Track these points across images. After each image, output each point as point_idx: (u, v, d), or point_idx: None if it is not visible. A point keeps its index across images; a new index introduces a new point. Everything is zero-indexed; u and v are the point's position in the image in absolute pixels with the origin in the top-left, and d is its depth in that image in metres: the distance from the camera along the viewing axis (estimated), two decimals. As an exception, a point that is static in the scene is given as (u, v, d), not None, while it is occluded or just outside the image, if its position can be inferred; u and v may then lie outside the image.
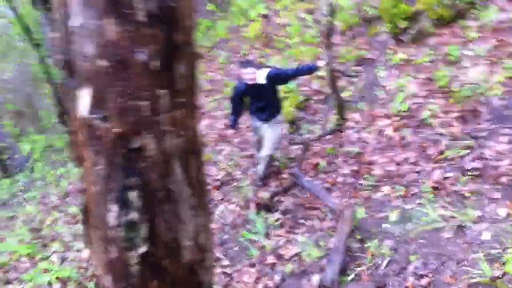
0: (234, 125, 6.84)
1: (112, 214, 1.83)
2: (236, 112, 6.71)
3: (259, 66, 6.56)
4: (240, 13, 11.59)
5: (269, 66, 6.71)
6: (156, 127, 1.78)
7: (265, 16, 10.55)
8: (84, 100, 1.73)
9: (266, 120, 6.53)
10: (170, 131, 1.82)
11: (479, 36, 6.41)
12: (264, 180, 6.80)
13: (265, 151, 6.58)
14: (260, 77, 6.22)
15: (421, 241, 4.50)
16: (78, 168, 1.92)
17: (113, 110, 1.71)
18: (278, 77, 6.31)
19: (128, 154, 1.77)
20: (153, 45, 1.70)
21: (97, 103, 1.72)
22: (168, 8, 1.72)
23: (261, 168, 6.73)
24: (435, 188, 5.05)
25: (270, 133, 6.53)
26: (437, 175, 5.22)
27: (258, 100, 6.44)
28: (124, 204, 1.81)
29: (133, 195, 1.80)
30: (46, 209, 9.28)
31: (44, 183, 11.30)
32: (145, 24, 1.67)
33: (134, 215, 1.83)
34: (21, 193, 11.46)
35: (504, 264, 3.75)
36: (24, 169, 13.75)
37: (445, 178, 5.12)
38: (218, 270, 5.57)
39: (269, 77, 6.23)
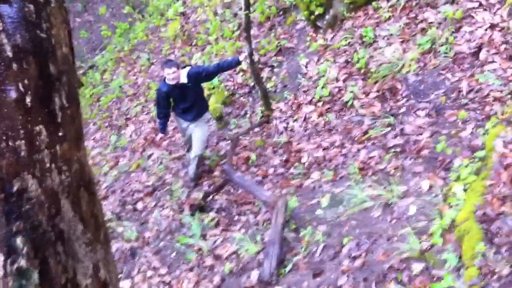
0: (163, 130, 6.68)
1: (0, 262, 1.69)
2: (163, 116, 6.55)
3: (181, 65, 6.43)
4: (157, 13, 11.36)
5: (190, 65, 6.59)
6: (37, 166, 1.66)
7: (183, 14, 10.39)
8: None
9: (193, 120, 6.41)
10: (53, 168, 1.71)
11: (391, 16, 6.54)
12: (196, 180, 6.69)
13: (195, 151, 6.47)
14: (183, 76, 6.09)
15: (353, 222, 4.55)
16: None
17: None
18: (199, 75, 6.22)
19: (8, 198, 1.64)
20: (25, 80, 1.60)
21: None
22: (38, 40, 1.63)
23: (192, 168, 6.61)
24: (361, 169, 5.12)
25: (198, 132, 6.42)
26: (362, 155, 5.29)
27: (183, 101, 6.31)
28: (11, 251, 1.67)
29: (20, 241, 1.67)
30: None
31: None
32: (13, 59, 1.57)
33: (23, 262, 1.68)
34: None
35: (431, 235, 3.83)
36: None
37: (370, 157, 5.19)
38: (156, 279, 5.44)
39: (190, 75, 6.12)
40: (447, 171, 4.35)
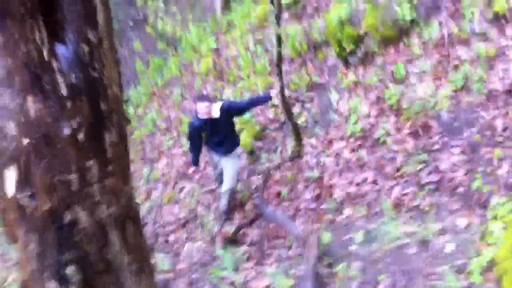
0: (195, 163, 6.77)
1: None
2: (195, 150, 6.63)
3: (213, 99, 6.55)
4: (191, 48, 11.63)
5: (222, 100, 6.71)
6: (87, 199, 1.75)
7: (215, 50, 10.62)
8: (9, 179, 1.70)
9: (225, 154, 6.49)
10: (102, 201, 1.79)
11: (423, 52, 6.60)
12: (228, 214, 6.74)
13: (226, 185, 6.53)
14: (215, 110, 6.20)
15: (388, 259, 4.52)
16: (13, 246, 1.87)
17: (40, 187, 1.68)
18: (232, 110, 6.32)
19: (60, 229, 1.72)
20: (78, 117, 1.69)
21: (23, 181, 1.69)
22: (91, 78, 1.72)
23: (223, 202, 6.67)
24: (395, 205, 5.11)
25: (230, 166, 6.49)
26: (396, 192, 5.29)
27: (215, 135, 6.39)
28: (63, 280, 1.76)
29: (70, 270, 1.75)
30: (7, 266, 8.93)
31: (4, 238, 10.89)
32: (68, 98, 1.66)
33: None
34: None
35: (469, 273, 3.79)
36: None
37: (404, 194, 5.18)
38: (190, 311, 5.46)
39: (223, 110, 6.22)
40: (484, 209, 4.32)
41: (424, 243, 4.41)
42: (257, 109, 8.00)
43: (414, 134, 5.81)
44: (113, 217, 1.84)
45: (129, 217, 1.94)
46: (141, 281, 2.00)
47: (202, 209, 7.21)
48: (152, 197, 8.18)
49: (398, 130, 5.99)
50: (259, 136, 7.84)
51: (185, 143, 8.82)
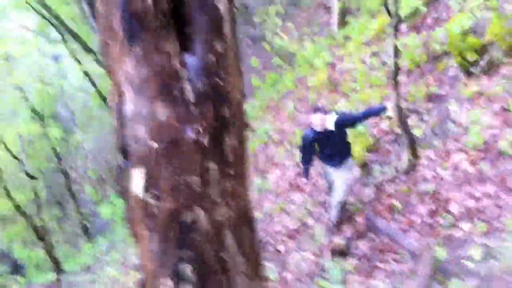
0: (306, 174, 6.75)
1: None
2: (307, 162, 6.61)
3: (328, 112, 6.48)
4: (306, 63, 11.73)
5: (336, 112, 6.63)
6: (207, 200, 1.81)
7: (330, 64, 10.60)
8: (137, 180, 1.81)
9: (337, 165, 6.41)
10: (221, 203, 1.84)
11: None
12: (338, 226, 6.62)
13: (337, 197, 6.44)
14: (329, 123, 6.16)
15: (507, 277, 4.16)
16: (136, 244, 1.97)
17: (165, 188, 1.77)
18: (346, 122, 6.24)
19: (181, 229, 1.80)
20: (202, 122, 1.77)
21: (150, 182, 1.79)
22: (216, 85, 1.79)
23: (334, 214, 6.57)
24: (519, 222, 4.71)
25: (342, 178, 6.39)
26: (521, 208, 4.87)
27: (328, 147, 6.35)
28: (179, 278, 1.83)
29: (187, 269, 1.82)
30: (127, 271, 9.49)
31: (125, 244, 11.62)
32: (194, 104, 1.75)
33: None
34: (102, 257, 11.82)
35: None
36: (105, 233, 14.25)
37: (530, 210, 4.76)
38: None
39: (337, 123, 6.15)
40: None
41: (552, 263, 4.00)
42: (371, 121, 7.83)
43: (544, 147, 5.33)
44: (230, 219, 1.88)
45: (245, 221, 1.98)
46: (254, 285, 2.01)
47: (312, 220, 7.16)
48: (264, 207, 8.28)
49: (525, 142, 5.54)
50: (373, 149, 7.65)
51: (297, 155, 8.86)
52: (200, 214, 1.79)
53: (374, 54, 9.43)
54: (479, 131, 6.14)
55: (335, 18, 12.28)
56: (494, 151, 5.80)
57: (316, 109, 6.35)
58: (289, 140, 9.69)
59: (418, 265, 4.86)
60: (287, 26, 13.42)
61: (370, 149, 7.67)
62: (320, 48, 11.64)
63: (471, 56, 7.09)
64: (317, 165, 6.94)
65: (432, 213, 5.79)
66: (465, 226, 5.24)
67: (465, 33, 7.27)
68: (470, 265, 4.63)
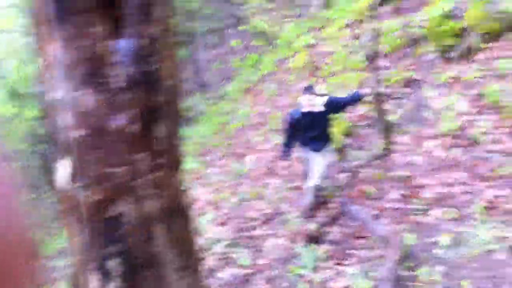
0: (286, 156, 6.66)
1: (94, 283, 1.79)
2: (290, 142, 6.52)
3: (318, 93, 6.37)
4: (287, 45, 11.61)
5: (325, 94, 6.53)
6: (135, 191, 1.75)
7: (310, 46, 10.50)
8: (64, 170, 1.74)
9: (318, 149, 6.36)
10: (150, 194, 1.79)
11: (530, 47, 6.05)
12: (312, 211, 6.59)
13: (313, 181, 6.39)
14: (318, 104, 6.09)
15: (474, 264, 4.17)
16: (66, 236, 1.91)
17: (91, 178, 1.71)
18: (338, 104, 6.17)
19: (107, 221, 1.74)
20: (132, 109, 1.70)
21: (76, 172, 1.72)
22: (148, 71, 1.73)
23: (308, 198, 6.53)
24: (487, 208, 4.70)
25: (320, 162, 6.35)
26: (489, 194, 4.86)
27: (312, 129, 6.27)
28: (106, 273, 1.77)
29: (114, 263, 1.76)
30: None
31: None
32: (123, 90, 1.68)
33: (116, 284, 1.77)
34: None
35: None
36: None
37: (498, 197, 4.75)
38: (264, 310, 5.40)
39: (329, 104, 6.10)
40: None
41: (516, 251, 4.01)
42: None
43: (515, 134, 5.33)
44: (159, 211, 1.83)
45: (177, 212, 1.92)
46: (185, 277, 1.96)
47: (287, 205, 7.12)
48: (239, 191, 8.22)
49: (497, 129, 5.52)
50: (348, 133, 7.62)
51: (274, 139, 8.80)
52: (128, 206, 1.73)
53: (355, 36, 9.35)
54: (453, 117, 6.12)
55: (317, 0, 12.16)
56: (467, 138, 5.78)
57: (308, 88, 6.22)
58: (268, 123, 9.62)
59: (387, 251, 4.84)
60: (268, 7, 13.26)
61: (346, 134, 7.63)
62: (301, 30, 11.52)
63: (449, 41, 7.04)
64: (295, 150, 6.86)
65: (404, 199, 5.78)
66: (436, 212, 5.23)
67: (444, 17, 7.21)
68: (439, 251, 4.63)
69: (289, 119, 6.37)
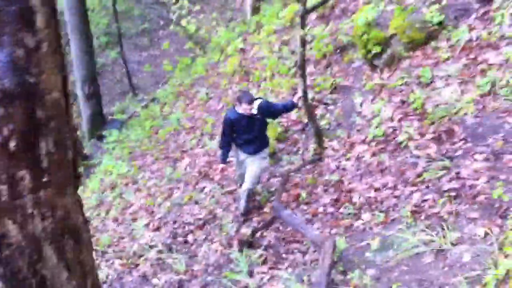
0: (224, 159, 6.72)
1: None
2: (227, 145, 6.59)
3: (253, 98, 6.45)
4: (218, 49, 11.65)
5: (260, 98, 6.63)
6: (18, 211, 1.67)
7: (242, 51, 10.59)
8: None
9: (253, 153, 6.47)
10: (36, 214, 1.71)
11: (450, 56, 6.40)
12: (246, 215, 6.68)
13: (247, 184, 6.49)
14: (254, 108, 6.20)
15: (403, 267, 4.39)
16: None
17: None
18: (268, 109, 6.34)
19: None
20: (11, 124, 1.61)
21: None
22: (26, 84, 1.64)
23: (242, 202, 6.61)
24: (414, 212, 4.96)
25: (255, 166, 6.46)
26: (415, 198, 5.13)
27: (247, 132, 6.35)
28: None
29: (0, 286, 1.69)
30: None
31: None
32: (0, 103, 1.59)
33: None
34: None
35: (485, 285, 3.63)
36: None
37: (424, 201, 5.02)
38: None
39: (260, 108, 6.22)
40: (504, 219, 4.14)
41: (441, 253, 4.26)
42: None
43: (437, 139, 5.63)
44: (48, 231, 1.77)
45: (67, 232, 1.85)
46: None
47: (221, 210, 7.16)
48: (173, 196, 8.18)
49: (421, 134, 5.82)
50: (281, 138, 7.77)
51: (208, 144, 8.82)
52: (10, 227, 1.66)
53: (284, 42, 9.53)
54: (380, 123, 6.39)
55: (248, 4, 12.26)
56: (393, 143, 6.06)
57: (248, 96, 6.30)
58: (200, 127, 9.62)
59: (320, 255, 4.99)
60: (201, 10, 13.23)
61: (279, 138, 7.77)
62: (233, 34, 11.59)
63: (374, 49, 7.32)
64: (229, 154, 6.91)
65: (335, 203, 5.98)
66: (365, 216, 5.45)
67: (369, 25, 7.49)
68: (369, 254, 4.83)
69: (225, 121, 6.44)
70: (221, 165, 7.40)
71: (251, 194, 6.61)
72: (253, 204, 6.82)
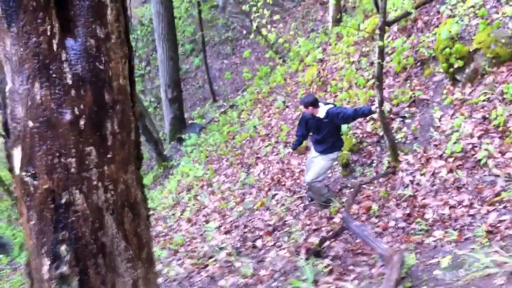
0: (295, 146, 7.38)
1: (45, 267, 1.88)
2: (300, 136, 7.21)
3: (323, 102, 6.89)
4: (297, 58, 11.74)
5: (333, 104, 6.84)
6: (84, 182, 1.85)
7: (321, 61, 10.62)
8: (17, 157, 1.85)
9: (322, 152, 6.82)
10: (100, 186, 1.89)
11: (538, 73, 6.13)
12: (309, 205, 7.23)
13: (310, 177, 6.84)
14: (321, 111, 6.60)
15: (473, 287, 4.24)
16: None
17: (41, 168, 1.81)
18: (337, 115, 6.56)
19: (57, 209, 1.84)
20: (81, 105, 1.80)
21: (27, 161, 1.83)
22: (96, 70, 1.83)
23: (310, 195, 7.29)
24: (489, 232, 4.77)
25: (319, 163, 6.82)
26: (492, 218, 4.93)
27: (317, 132, 6.81)
28: (56, 258, 1.86)
29: (63, 249, 1.85)
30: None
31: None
32: (72, 86, 1.78)
33: (65, 268, 1.86)
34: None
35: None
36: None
37: (500, 221, 4.83)
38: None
39: (328, 113, 6.57)
40: None
41: (514, 276, 4.07)
42: (355, 122, 7.88)
43: (519, 159, 5.40)
44: (110, 203, 1.94)
45: (127, 205, 2.02)
46: (137, 268, 2.06)
47: (291, 217, 7.22)
48: (245, 201, 8.33)
49: (502, 153, 5.60)
50: (355, 149, 7.72)
51: (282, 151, 8.92)
52: (77, 196, 1.83)
53: (364, 54, 9.46)
54: (459, 138, 6.20)
55: (330, 14, 12.26)
56: (472, 160, 5.86)
57: (308, 98, 6.73)
58: (275, 135, 9.73)
59: (387, 269, 4.91)
60: (283, 20, 13.40)
61: (353, 150, 7.73)
62: (313, 45, 11.64)
63: (457, 63, 7.12)
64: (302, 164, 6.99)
65: (407, 218, 5.86)
66: (437, 233, 5.31)
67: (452, 39, 7.30)
68: (438, 272, 4.70)
69: (302, 116, 7.08)
70: (291, 150, 8.29)
71: (311, 188, 6.99)
72: (323, 213, 6.85)
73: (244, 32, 17.28)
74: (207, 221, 8.24)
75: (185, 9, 18.78)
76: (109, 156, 1.90)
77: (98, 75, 1.84)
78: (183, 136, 13.53)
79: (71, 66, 1.79)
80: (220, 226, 7.89)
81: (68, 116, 1.79)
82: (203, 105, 16.14)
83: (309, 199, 7.37)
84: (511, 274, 4.07)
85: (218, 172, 10.01)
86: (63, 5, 1.80)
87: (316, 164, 6.81)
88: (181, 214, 9.09)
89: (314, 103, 6.60)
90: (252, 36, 12.23)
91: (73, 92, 1.80)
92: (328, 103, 6.78)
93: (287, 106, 10.43)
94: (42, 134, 1.79)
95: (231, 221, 7.98)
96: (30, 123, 1.79)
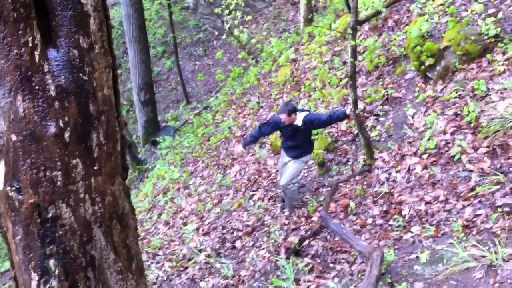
0: (247, 145, 7.11)
1: (34, 282, 1.86)
2: (256, 137, 6.95)
3: (298, 109, 6.74)
4: (270, 59, 11.78)
5: (305, 110, 6.78)
6: (71, 196, 1.84)
7: (294, 61, 10.68)
8: (0, 172, 1.82)
9: (295, 158, 6.78)
10: (87, 199, 1.87)
11: (506, 69, 6.28)
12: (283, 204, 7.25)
13: (283, 180, 6.83)
14: (298, 119, 6.49)
15: (452, 282, 4.32)
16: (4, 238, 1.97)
17: (26, 182, 1.79)
18: (313, 122, 6.55)
19: (44, 223, 1.82)
20: (65, 117, 1.78)
21: (11, 176, 1.80)
22: (79, 81, 1.80)
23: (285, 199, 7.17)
24: (465, 227, 4.88)
25: (292, 166, 6.79)
26: (467, 213, 5.04)
27: (291, 139, 6.71)
28: (44, 272, 1.84)
29: (52, 263, 1.84)
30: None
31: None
32: (56, 98, 1.76)
33: (54, 283, 1.85)
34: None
35: (537, 305, 3.55)
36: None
37: (476, 215, 4.94)
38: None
39: (305, 121, 6.48)
40: (559, 237, 4.03)
41: (491, 269, 4.17)
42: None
43: (491, 154, 5.52)
44: (98, 215, 1.92)
45: (115, 217, 2.01)
46: (127, 280, 2.05)
47: (269, 217, 7.25)
48: (223, 202, 8.32)
49: (475, 148, 5.72)
50: (331, 148, 7.79)
51: (258, 151, 8.94)
52: (64, 210, 1.82)
53: (336, 53, 9.55)
54: (432, 135, 6.31)
55: (301, 15, 12.34)
56: (446, 156, 5.97)
57: (282, 108, 6.54)
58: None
59: (367, 266, 4.97)
60: (254, 21, 13.43)
61: (328, 149, 7.80)
62: (285, 45, 11.70)
63: (428, 61, 7.25)
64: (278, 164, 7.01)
65: (384, 215, 5.95)
66: (415, 228, 5.40)
67: (423, 37, 7.43)
68: (417, 268, 4.79)
69: (271, 119, 6.95)
70: (240, 149, 7.31)
71: (285, 191, 6.95)
72: (301, 212, 6.89)
73: (216, 33, 17.27)
74: (185, 224, 8.20)
75: (155, 11, 18.64)
76: (95, 168, 1.89)
77: (82, 86, 1.82)
78: (157, 139, 13.46)
79: (54, 78, 1.77)
80: (198, 228, 7.87)
81: (52, 129, 1.77)
82: (176, 107, 16.05)
83: (281, 201, 7.40)
84: (489, 268, 4.17)
85: (194, 174, 9.98)
86: (45, 15, 1.78)
87: (289, 167, 6.80)
88: (158, 217, 9.03)
89: (296, 110, 6.52)
90: (224, 37, 12.23)
91: (57, 104, 1.77)
92: (303, 110, 6.71)
93: (261, 107, 10.46)
94: (26, 147, 1.77)
95: (209, 223, 7.97)
96: (13, 137, 1.76)
